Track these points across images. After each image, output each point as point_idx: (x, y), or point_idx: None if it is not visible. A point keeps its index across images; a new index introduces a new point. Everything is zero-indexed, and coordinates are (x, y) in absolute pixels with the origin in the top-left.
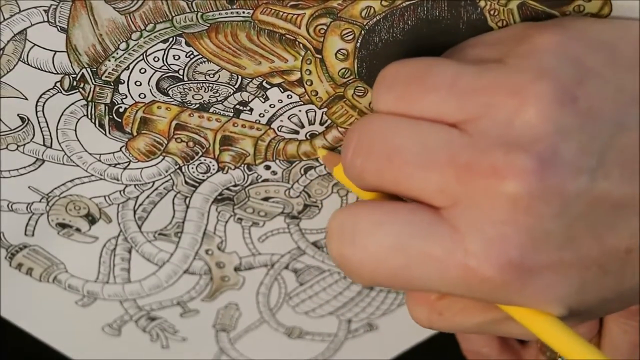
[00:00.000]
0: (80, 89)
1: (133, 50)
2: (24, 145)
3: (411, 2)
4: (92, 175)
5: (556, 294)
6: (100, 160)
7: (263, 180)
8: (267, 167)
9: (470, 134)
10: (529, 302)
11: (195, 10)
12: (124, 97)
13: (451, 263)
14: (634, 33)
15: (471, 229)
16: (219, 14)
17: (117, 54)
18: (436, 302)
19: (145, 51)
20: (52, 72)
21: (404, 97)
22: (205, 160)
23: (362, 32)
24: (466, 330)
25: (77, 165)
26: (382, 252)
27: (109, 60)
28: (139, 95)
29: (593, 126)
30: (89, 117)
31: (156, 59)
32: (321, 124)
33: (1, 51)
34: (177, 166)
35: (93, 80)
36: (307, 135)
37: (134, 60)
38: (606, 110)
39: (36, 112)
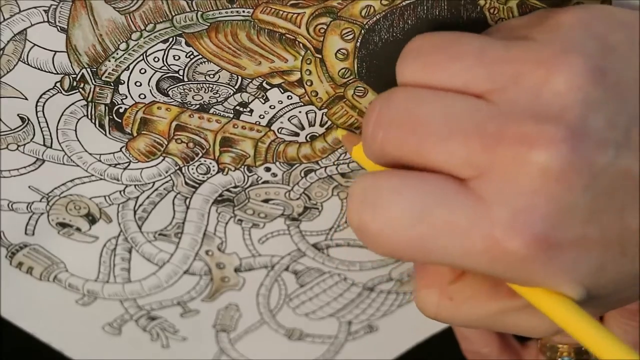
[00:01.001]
0: (80, 89)
1: (133, 51)
2: (24, 145)
3: (411, 1)
4: (92, 175)
5: (577, 273)
6: (100, 161)
7: (263, 182)
8: (268, 169)
9: (497, 103)
10: (549, 280)
11: (195, 9)
12: (124, 97)
13: (476, 233)
14: None
15: (498, 199)
16: (219, 13)
17: (117, 54)
18: (448, 285)
19: (145, 51)
20: (52, 72)
21: (429, 66)
22: (205, 161)
23: (362, 31)
24: (472, 323)
25: (77, 165)
26: (403, 220)
27: (109, 61)
28: (139, 96)
29: (620, 101)
30: (89, 117)
31: (156, 59)
32: (321, 125)
33: (1, 51)
34: (177, 167)
35: (93, 81)
36: (308, 138)
37: (134, 61)
38: (631, 87)
39: (36, 112)
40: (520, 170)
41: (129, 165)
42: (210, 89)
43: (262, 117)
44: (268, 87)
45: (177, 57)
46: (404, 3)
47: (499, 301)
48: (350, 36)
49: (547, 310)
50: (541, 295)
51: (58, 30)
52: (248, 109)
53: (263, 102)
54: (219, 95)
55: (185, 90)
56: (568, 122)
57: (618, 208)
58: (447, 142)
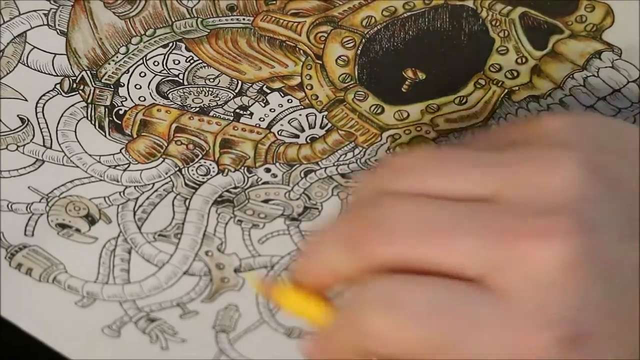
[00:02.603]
0: (80, 91)
1: (133, 54)
2: (24, 145)
3: (412, 12)
4: (92, 176)
5: None
6: (100, 162)
7: (263, 183)
8: (267, 170)
9: (502, 202)
10: None
11: (195, 16)
12: (124, 99)
13: (507, 327)
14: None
15: (517, 294)
16: (219, 20)
17: (117, 57)
18: None
19: (145, 55)
20: (52, 74)
21: (422, 177)
22: (205, 162)
23: (363, 40)
24: None
25: (77, 166)
26: (428, 320)
27: (109, 64)
28: (139, 98)
29: (621, 195)
30: (89, 118)
31: (156, 63)
32: (321, 127)
33: (1, 53)
34: (177, 168)
35: (93, 83)
36: (308, 139)
37: (133, 64)
38: (630, 181)
39: (36, 113)
40: (539, 263)
41: (128, 166)
42: (210, 92)
43: (262, 119)
44: (268, 91)
45: (177, 62)
46: (405, 14)
47: None
48: (351, 44)
49: None
50: None
51: (58, 33)
52: (248, 112)
53: (263, 105)
54: (219, 99)
55: (185, 94)
56: (577, 215)
57: (632, 301)
58: (457, 243)
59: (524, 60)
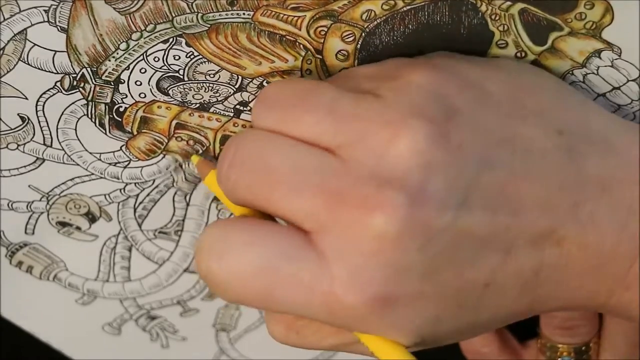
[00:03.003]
0: (81, 89)
1: (133, 50)
2: (24, 144)
3: (412, 6)
4: (93, 174)
5: (411, 326)
6: (100, 159)
7: None
8: None
9: (345, 160)
10: (384, 332)
11: (196, 11)
12: (124, 96)
13: (317, 289)
14: (502, 74)
15: (338, 257)
16: (219, 15)
17: (118, 54)
18: (294, 322)
19: (146, 51)
20: (52, 72)
21: (284, 117)
22: (205, 158)
23: (363, 34)
24: (318, 349)
25: (77, 164)
26: (249, 272)
27: (109, 60)
28: (139, 95)
29: (461, 163)
30: (89, 116)
31: (156, 59)
32: None
33: (1, 51)
34: (178, 163)
35: (93, 80)
36: None
37: (134, 60)
38: (474, 148)
39: (36, 111)
40: (359, 232)
41: (129, 163)
42: (210, 88)
43: None
44: None
45: (177, 57)
46: (405, 8)
47: (339, 336)
48: (351, 38)
49: (377, 352)
50: (373, 340)
51: (58, 30)
52: (248, 108)
53: None
54: (219, 95)
55: (186, 90)
56: (408, 187)
57: (458, 265)
58: (293, 194)
59: (523, 54)
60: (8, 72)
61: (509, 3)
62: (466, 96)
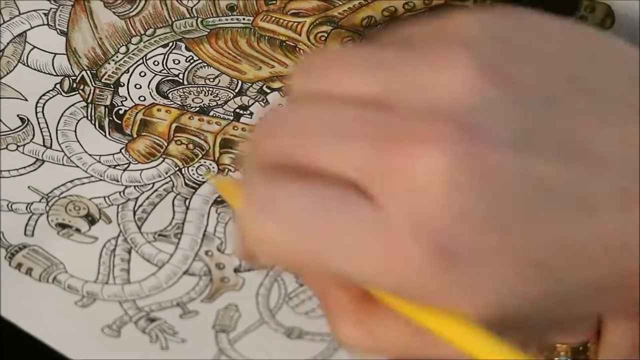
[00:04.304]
0: (80, 91)
1: (133, 54)
2: (24, 145)
3: (412, 13)
4: (92, 176)
5: (483, 287)
6: (100, 162)
7: None
8: None
9: (391, 106)
10: (454, 298)
11: (195, 15)
12: (124, 99)
13: (375, 240)
14: (568, 24)
15: (391, 202)
16: (219, 20)
17: (117, 57)
18: (364, 318)
19: (145, 55)
20: (52, 74)
21: (322, 76)
22: (205, 162)
23: (363, 40)
24: (400, 357)
25: (77, 166)
26: (305, 224)
27: (109, 63)
28: (139, 98)
29: (520, 102)
30: (89, 118)
31: (156, 63)
32: None
33: (1, 52)
34: (177, 168)
35: (93, 83)
36: None
37: (133, 64)
38: (536, 84)
39: (36, 112)
40: (411, 170)
41: (128, 166)
42: (210, 92)
43: None
44: (268, 91)
45: (177, 61)
46: (405, 15)
47: (418, 337)
48: (351, 44)
49: (448, 335)
50: (442, 321)
51: (58, 33)
52: (248, 112)
53: (263, 105)
54: (219, 99)
55: (185, 93)
56: (461, 120)
57: (528, 218)
58: (336, 145)
59: None
60: (8, 73)
61: None
62: (524, 36)
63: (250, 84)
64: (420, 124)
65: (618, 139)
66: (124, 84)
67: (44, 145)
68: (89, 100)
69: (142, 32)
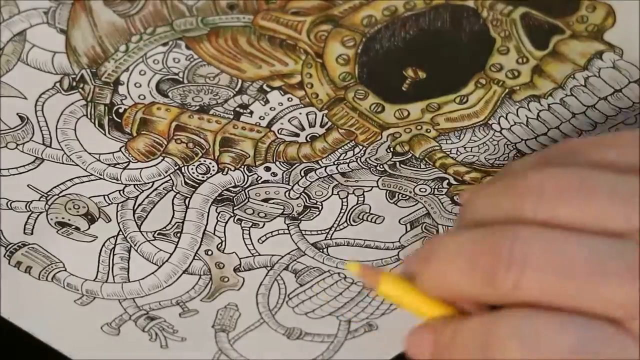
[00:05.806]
0: (80, 90)
1: (133, 53)
2: (24, 144)
3: (413, 12)
4: (92, 174)
5: None
6: (99, 160)
7: (263, 182)
8: (267, 169)
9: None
10: None
11: (195, 14)
12: (124, 98)
13: None
14: None
15: None
16: (219, 18)
17: (117, 55)
18: None
19: (145, 54)
20: (52, 73)
21: (554, 204)
22: (205, 161)
23: (363, 39)
24: None
25: (77, 165)
26: (566, 354)
27: (109, 62)
28: (139, 97)
29: None
30: (89, 117)
31: (156, 62)
32: (321, 126)
33: (0, 51)
34: (177, 167)
35: (92, 81)
36: (308, 138)
37: (133, 62)
38: None
39: (35, 111)
40: None
41: (128, 165)
42: (210, 91)
43: (262, 118)
44: (268, 90)
45: (177, 60)
46: (406, 14)
47: None
48: (351, 43)
49: None
50: None
51: (57, 31)
52: (248, 111)
53: (263, 104)
54: (219, 97)
55: (185, 92)
56: None
57: None
58: (598, 284)
59: (525, 60)
60: (7, 72)
61: (510, 8)
62: None
63: (250, 83)
64: None
65: None
66: (123, 83)
67: (44, 144)
68: (88, 99)
69: (142, 30)
